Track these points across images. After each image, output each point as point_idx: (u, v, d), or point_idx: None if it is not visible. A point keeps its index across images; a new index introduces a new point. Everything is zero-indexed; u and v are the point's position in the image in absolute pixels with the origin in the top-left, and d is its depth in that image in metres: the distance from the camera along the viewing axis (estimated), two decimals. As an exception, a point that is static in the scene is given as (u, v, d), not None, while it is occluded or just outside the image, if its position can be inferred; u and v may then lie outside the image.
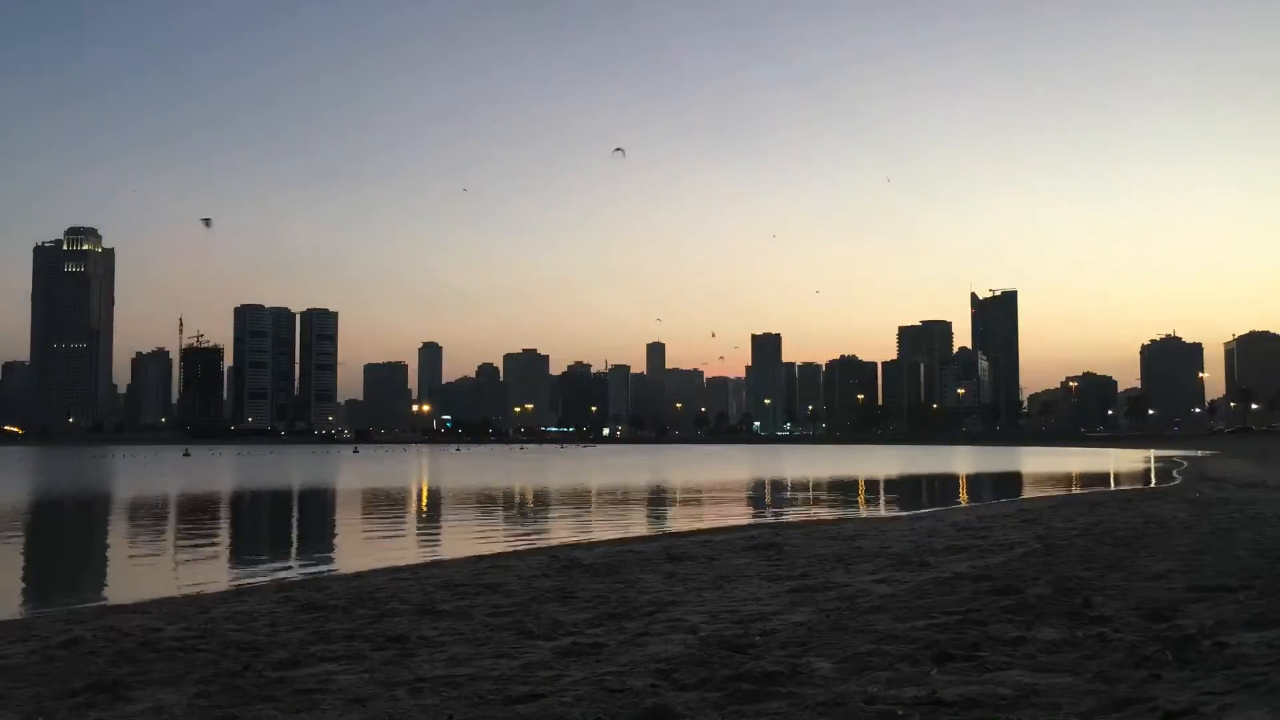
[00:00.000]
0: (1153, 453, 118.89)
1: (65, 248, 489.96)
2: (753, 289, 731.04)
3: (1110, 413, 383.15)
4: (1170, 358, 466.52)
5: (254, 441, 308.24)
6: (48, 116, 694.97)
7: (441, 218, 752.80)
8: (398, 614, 11.28)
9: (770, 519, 29.53)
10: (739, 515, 31.69)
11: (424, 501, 41.43)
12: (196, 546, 24.00)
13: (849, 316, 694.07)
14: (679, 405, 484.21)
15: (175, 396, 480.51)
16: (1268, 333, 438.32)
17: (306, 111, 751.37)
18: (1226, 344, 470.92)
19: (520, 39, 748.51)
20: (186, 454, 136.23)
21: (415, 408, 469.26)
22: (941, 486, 52.48)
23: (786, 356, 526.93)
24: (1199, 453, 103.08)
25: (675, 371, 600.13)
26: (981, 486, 50.76)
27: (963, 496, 43.75)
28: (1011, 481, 56.36)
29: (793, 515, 31.00)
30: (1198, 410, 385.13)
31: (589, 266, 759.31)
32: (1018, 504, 31.27)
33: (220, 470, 78.78)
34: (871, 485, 54.48)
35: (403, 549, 22.19)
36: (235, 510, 38.65)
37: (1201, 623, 8.70)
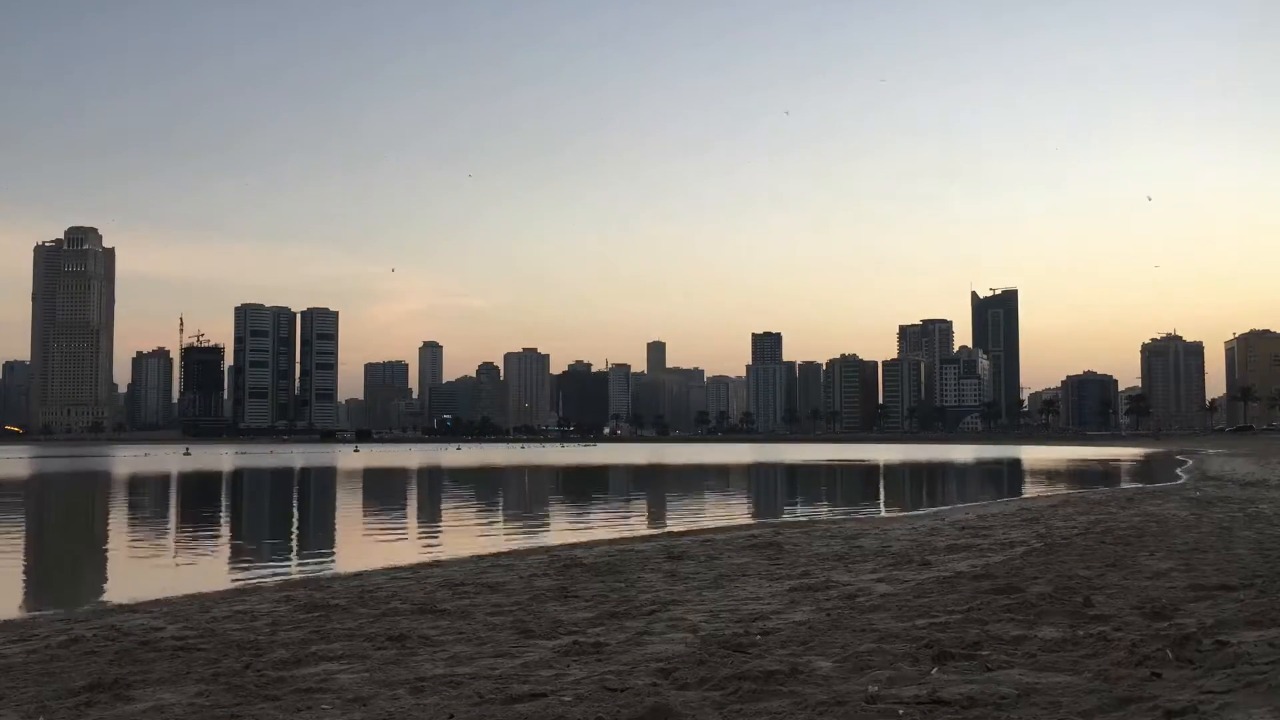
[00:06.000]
0: (1153, 451, 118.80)
1: (65, 247, 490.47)
2: (753, 289, 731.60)
3: (1111, 412, 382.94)
4: (1171, 357, 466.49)
5: (254, 440, 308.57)
6: (49, 117, 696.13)
7: (443, 216, 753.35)
8: (398, 613, 11.28)
9: (771, 517, 29.50)
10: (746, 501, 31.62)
11: (427, 496, 41.42)
12: (197, 545, 24.01)
13: (849, 316, 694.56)
14: (679, 404, 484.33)
15: (175, 396, 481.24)
16: (1268, 332, 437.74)
17: (305, 111, 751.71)
18: (1227, 343, 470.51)
19: (478, 41, 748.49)
20: (188, 453, 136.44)
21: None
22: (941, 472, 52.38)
23: (787, 356, 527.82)
24: (1200, 451, 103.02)
25: (675, 371, 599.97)
26: (982, 468, 50.65)
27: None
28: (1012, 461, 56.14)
29: (796, 501, 30.87)
30: (1199, 409, 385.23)
31: (589, 266, 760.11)
32: (1018, 503, 31.20)
33: (222, 468, 78.75)
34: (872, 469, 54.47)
35: (403, 547, 22.17)
36: (235, 508, 38.65)
37: (1202, 621, 8.70)
